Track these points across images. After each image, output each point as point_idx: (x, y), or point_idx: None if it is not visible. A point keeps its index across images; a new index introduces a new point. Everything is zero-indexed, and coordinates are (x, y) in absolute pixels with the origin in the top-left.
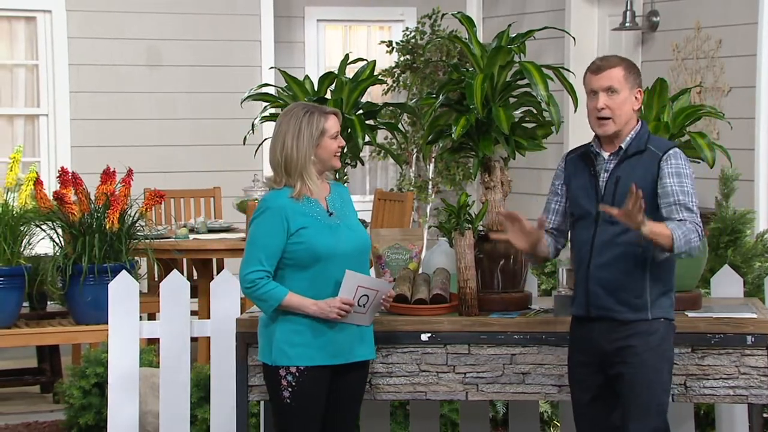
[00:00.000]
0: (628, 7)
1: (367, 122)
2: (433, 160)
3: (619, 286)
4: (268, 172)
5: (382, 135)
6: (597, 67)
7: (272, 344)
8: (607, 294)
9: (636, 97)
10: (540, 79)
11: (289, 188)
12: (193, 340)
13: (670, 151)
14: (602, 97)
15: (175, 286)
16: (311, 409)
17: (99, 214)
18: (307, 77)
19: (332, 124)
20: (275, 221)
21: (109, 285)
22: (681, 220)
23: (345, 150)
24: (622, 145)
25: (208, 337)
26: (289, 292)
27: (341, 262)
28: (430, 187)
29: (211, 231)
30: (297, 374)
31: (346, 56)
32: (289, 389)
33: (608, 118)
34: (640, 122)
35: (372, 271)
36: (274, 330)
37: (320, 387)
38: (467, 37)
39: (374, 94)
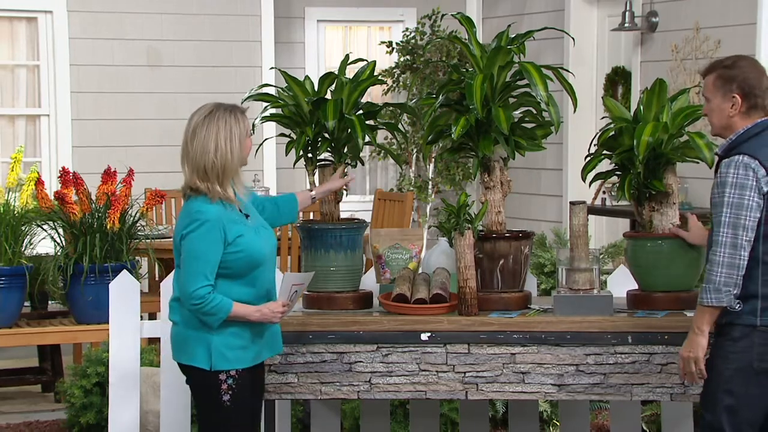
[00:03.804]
0: (628, 8)
1: (367, 122)
2: (433, 160)
3: None
4: (270, 173)
5: (382, 135)
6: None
7: (210, 349)
8: None
9: (732, 104)
10: (539, 80)
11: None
12: None
13: (725, 160)
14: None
15: None
16: (248, 409)
17: (100, 214)
18: (307, 77)
19: (249, 122)
20: (216, 234)
21: (110, 284)
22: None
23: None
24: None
25: None
26: (234, 303)
27: (268, 265)
28: (430, 187)
29: None
30: (236, 377)
31: (346, 57)
32: (230, 392)
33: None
34: (741, 129)
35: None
36: (210, 335)
37: (250, 387)
38: (467, 37)
39: (374, 95)
